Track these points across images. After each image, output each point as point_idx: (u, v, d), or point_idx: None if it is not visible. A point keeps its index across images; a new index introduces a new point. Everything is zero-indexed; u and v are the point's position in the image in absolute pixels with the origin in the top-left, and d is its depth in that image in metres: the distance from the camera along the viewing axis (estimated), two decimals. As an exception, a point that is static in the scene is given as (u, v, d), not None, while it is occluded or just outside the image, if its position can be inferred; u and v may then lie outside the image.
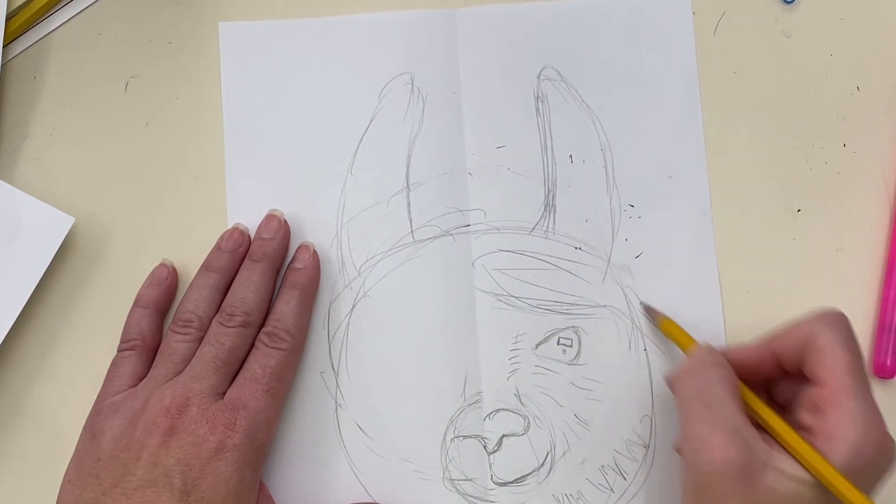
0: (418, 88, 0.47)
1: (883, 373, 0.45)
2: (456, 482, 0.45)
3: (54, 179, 0.47)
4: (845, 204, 0.47)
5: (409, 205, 0.46)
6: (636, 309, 0.46)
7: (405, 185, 0.46)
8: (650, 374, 0.45)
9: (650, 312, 0.45)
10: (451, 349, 0.45)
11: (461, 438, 0.45)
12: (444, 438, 0.45)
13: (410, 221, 0.46)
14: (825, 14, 0.48)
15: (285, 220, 0.45)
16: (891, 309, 0.46)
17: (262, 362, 0.42)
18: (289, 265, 0.45)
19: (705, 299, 0.46)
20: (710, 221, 0.46)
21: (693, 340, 0.43)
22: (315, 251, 0.45)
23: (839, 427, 0.36)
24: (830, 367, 0.37)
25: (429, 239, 0.46)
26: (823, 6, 0.48)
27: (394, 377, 0.45)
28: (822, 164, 0.47)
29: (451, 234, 0.46)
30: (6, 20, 0.47)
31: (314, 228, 0.46)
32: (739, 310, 0.46)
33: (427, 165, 0.46)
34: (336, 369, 0.45)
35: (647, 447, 0.45)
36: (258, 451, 0.41)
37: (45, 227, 0.45)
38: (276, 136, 0.47)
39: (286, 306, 0.43)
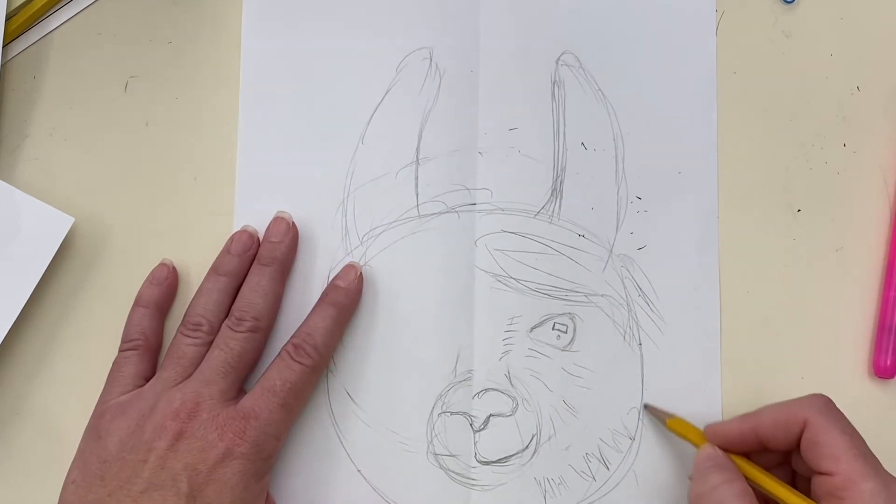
0: (436, 64, 0.47)
1: (883, 373, 0.45)
2: (440, 457, 0.45)
3: (54, 179, 0.47)
4: (845, 204, 0.47)
5: (416, 179, 0.46)
6: (634, 301, 0.46)
7: (415, 158, 0.46)
8: (642, 366, 0.45)
9: (654, 412, 0.45)
10: (446, 325, 0.45)
11: (448, 414, 0.45)
12: (432, 413, 0.45)
13: (417, 195, 0.46)
14: (825, 14, 0.48)
15: (293, 223, 0.45)
16: (891, 309, 0.46)
17: (283, 375, 0.42)
18: (331, 281, 0.45)
19: (703, 297, 0.46)
20: (715, 220, 0.46)
21: (703, 438, 0.42)
22: (361, 273, 0.45)
23: None
24: (835, 456, 0.38)
25: (433, 214, 0.46)
26: (823, 6, 0.48)
27: (387, 348, 0.45)
28: (822, 164, 0.47)
29: (456, 212, 0.46)
30: (6, 20, 0.47)
31: (321, 193, 0.46)
32: (739, 310, 0.46)
33: (438, 141, 0.47)
34: None
35: (632, 439, 0.45)
36: (265, 461, 0.41)
37: (45, 227, 0.45)
38: (292, 99, 0.47)
39: (320, 322, 0.43)
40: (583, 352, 0.45)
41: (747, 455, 0.41)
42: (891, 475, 0.38)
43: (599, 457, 0.45)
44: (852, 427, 0.39)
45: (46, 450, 0.45)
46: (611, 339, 0.46)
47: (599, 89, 0.47)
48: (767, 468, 0.41)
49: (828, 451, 0.38)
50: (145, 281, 0.45)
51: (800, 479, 0.42)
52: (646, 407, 0.45)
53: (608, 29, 0.48)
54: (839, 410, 0.39)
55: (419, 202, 0.46)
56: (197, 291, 0.44)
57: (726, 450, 0.41)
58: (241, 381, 0.42)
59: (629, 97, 0.47)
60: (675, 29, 0.48)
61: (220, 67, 0.47)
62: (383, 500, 0.44)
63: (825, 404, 0.39)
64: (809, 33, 0.48)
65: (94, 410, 0.42)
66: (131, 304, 0.45)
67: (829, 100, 0.48)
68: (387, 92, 0.47)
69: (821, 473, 0.38)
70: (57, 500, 0.40)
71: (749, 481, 0.40)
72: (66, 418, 0.44)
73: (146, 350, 0.44)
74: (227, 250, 0.45)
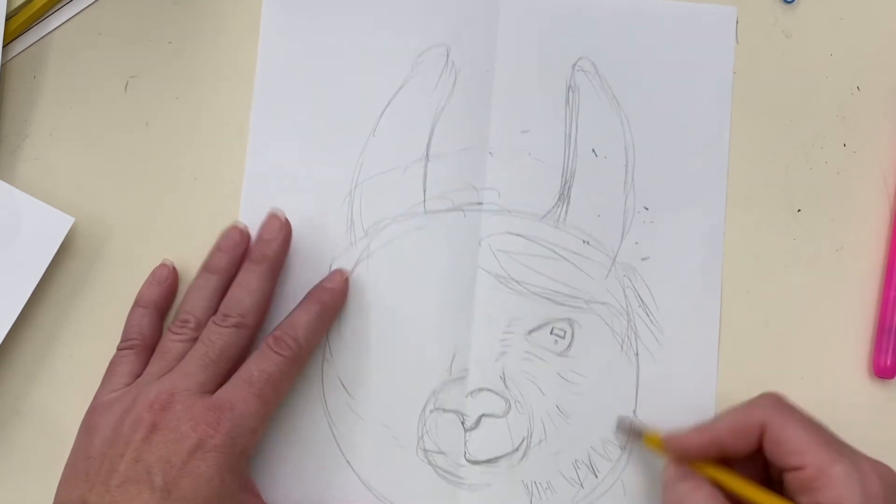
0: (453, 62, 0.47)
1: (883, 373, 0.45)
2: (429, 453, 0.45)
3: (54, 179, 0.47)
4: (845, 204, 0.47)
5: (425, 175, 0.46)
6: (634, 311, 0.46)
7: (425, 154, 0.46)
8: (638, 377, 0.45)
9: (625, 428, 0.44)
10: (445, 322, 0.45)
11: (441, 412, 0.45)
12: (424, 409, 0.45)
13: (424, 191, 0.46)
14: (825, 14, 0.48)
15: (287, 221, 0.45)
16: (891, 309, 0.46)
17: (260, 366, 0.41)
18: (318, 284, 0.45)
19: (704, 313, 0.46)
20: (721, 237, 0.46)
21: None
22: (348, 277, 0.45)
23: (837, 497, 0.36)
24: (799, 450, 0.38)
25: (440, 211, 0.46)
26: (823, 6, 0.48)
27: (384, 341, 0.45)
28: (822, 164, 0.47)
29: (463, 210, 0.46)
30: (6, 20, 0.47)
31: (329, 183, 0.46)
32: (739, 310, 0.46)
33: (449, 139, 0.47)
34: None
35: (622, 448, 0.45)
36: (240, 455, 0.40)
37: (45, 227, 0.45)
38: (305, 89, 0.47)
39: (303, 316, 0.43)
40: (579, 358, 0.45)
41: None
42: (860, 453, 0.38)
43: (588, 464, 0.45)
44: (810, 418, 0.39)
45: (46, 450, 0.45)
46: (608, 348, 0.45)
47: (614, 97, 0.47)
48: (740, 463, 0.41)
49: (792, 447, 0.38)
50: (146, 281, 0.45)
51: (774, 469, 0.41)
52: (620, 421, 0.45)
53: (626, 37, 0.47)
54: (793, 405, 0.40)
55: (426, 198, 0.46)
56: (187, 289, 0.44)
57: (691, 459, 0.41)
58: (221, 377, 0.42)
59: (644, 107, 0.47)
60: (693, 44, 0.47)
61: (220, 67, 0.47)
62: (370, 492, 0.44)
63: (778, 402, 0.40)
64: (809, 33, 0.48)
65: (87, 409, 0.42)
66: (131, 304, 0.45)
67: (829, 100, 0.48)
68: (401, 86, 0.47)
69: (791, 469, 0.38)
70: (56, 500, 0.41)
71: (720, 485, 0.40)
72: (66, 418, 0.44)
73: (143, 349, 0.44)
74: (217, 247, 0.45)
